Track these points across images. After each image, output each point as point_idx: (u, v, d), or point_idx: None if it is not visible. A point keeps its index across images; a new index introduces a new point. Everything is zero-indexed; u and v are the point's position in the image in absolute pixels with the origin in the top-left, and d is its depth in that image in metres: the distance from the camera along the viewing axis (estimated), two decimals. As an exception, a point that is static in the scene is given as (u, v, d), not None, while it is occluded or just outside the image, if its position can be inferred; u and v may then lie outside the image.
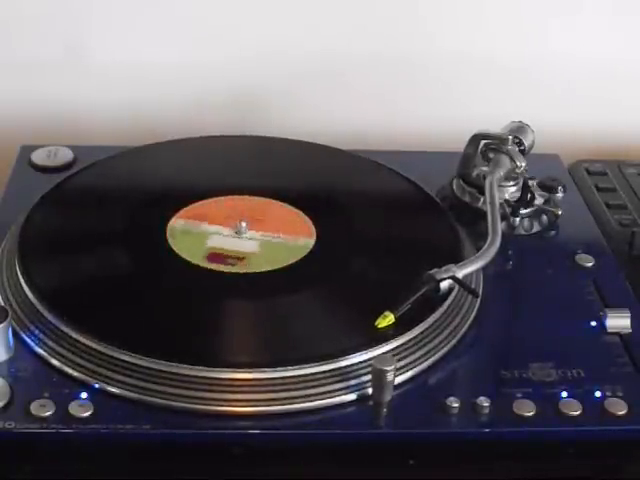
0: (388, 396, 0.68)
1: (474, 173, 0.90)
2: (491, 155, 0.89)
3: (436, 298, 0.75)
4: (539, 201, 0.89)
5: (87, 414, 0.66)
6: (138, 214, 0.84)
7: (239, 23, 1.05)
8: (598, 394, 0.70)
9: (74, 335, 0.71)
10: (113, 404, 0.67)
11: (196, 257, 0.79)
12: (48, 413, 0.66)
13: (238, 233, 0.82)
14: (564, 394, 0.70)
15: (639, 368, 0.73)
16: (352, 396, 0.69)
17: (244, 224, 0.82)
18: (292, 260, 0.79)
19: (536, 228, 0.89)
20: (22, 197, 0.86)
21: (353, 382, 0.69)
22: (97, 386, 0.68)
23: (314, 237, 0.82)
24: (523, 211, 0.88)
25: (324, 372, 0.69)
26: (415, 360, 0.72)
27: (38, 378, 0.69)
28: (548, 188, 0.90)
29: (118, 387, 0.68)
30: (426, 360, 0.72)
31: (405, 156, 0.97)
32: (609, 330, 0.76)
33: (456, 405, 0.68)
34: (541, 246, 0.87)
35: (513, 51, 1.08)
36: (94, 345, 0.70)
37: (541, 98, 1.08)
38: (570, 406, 0.69)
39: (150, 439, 0.66)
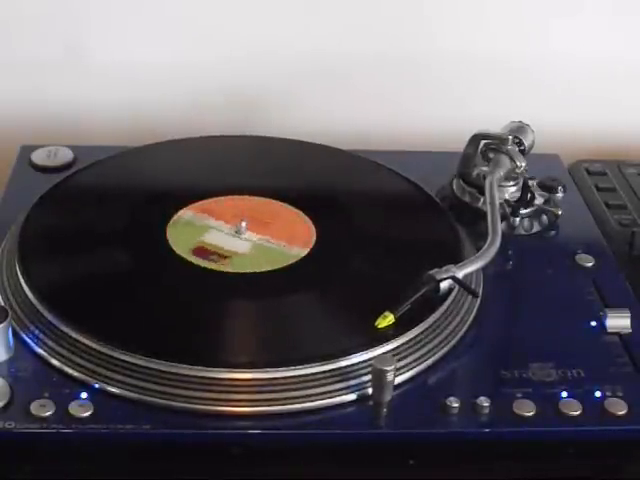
0: (388, 396, 0.68)
1: (474, 173, 0.90)
2: (491, 155, 0.89)
3: (436, 298, 0.75)
4: (539, 201, 0.89)
5: (87, 414, 0.66)
6: (138, 214, 0.84)
7: (240, 23, 1.05)
8: (598, 394, 0.70)
9: (74, 335, 0.70)
10: (113, 404, 0.67)
11: (183, 249, 0.79)
12: (48, 413, 0.66)
13: (237, 232, 0.82)
14: (564, 394, 0.70)
15: (639, 368, 0.73)
16: (352, 396, 0.69)
17: (244, 224, 0.82)
18: (276, 267, 0.78)
19: (536, 228, 0.89)
20: (22, 197, 0.86)
21: (353, 382, 0.69)
22: (97, 386, 0.68)
23: (309, 247, 0.81)
24: (523, 211, 0.88)
25: (324, 372, 0.69)
26: (415, 360, 0.72)
27: (38, 378, 0.69)
28: (548, 188, 0.90)
29: (118, 387, 0.68)
30: (426, 360, 0.72)
31: (405, 156, 0.97)
32: (609, 330, 0.76)
33: (456, 405, 0.68)
34: (541, 246, 0.87)
35: (514, 51, 1.08)
36: (94, 345, 0.70)
37: (541, 98, 1.08)
38: (570, 406, 0.69)
39: (150, 439, 0.66)
